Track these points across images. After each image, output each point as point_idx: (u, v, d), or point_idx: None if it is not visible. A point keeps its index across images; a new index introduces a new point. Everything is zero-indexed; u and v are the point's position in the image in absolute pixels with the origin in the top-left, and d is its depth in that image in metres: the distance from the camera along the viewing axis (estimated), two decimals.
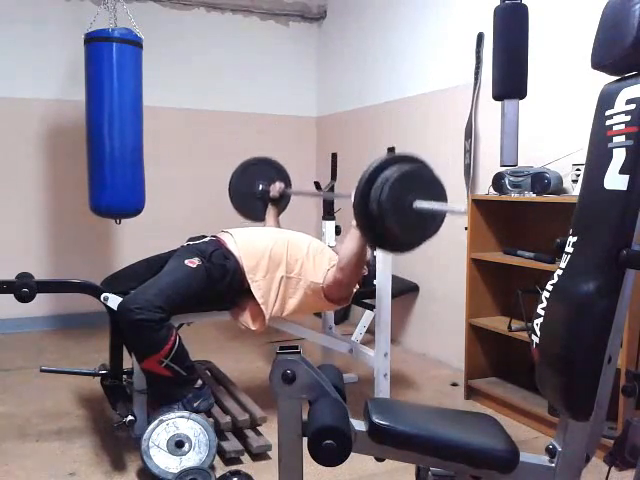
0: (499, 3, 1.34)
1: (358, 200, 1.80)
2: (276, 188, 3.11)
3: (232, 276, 2.49)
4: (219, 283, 2.46)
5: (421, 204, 1.79)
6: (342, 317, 4.41)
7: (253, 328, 2.51)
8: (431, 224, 1.94)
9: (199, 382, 2.38)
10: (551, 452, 1.29)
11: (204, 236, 2.69)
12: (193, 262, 2.44)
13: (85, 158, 3.52)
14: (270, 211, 3.14)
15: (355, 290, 2.68)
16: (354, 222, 2.36)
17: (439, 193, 1.90)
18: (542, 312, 1.28)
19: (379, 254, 2.63)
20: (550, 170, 2.69)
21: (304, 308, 2.62)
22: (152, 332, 2.21)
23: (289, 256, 2.57)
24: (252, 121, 4.86)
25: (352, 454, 1.24)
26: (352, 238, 2.44)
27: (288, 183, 3.25)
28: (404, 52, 3.97)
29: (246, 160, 3.26)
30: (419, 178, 1.85)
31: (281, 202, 3.18)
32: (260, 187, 3.17)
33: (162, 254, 2.65)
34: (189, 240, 2.68)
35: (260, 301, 2.49)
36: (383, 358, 2.69)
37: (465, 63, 3.40)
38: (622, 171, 1.13)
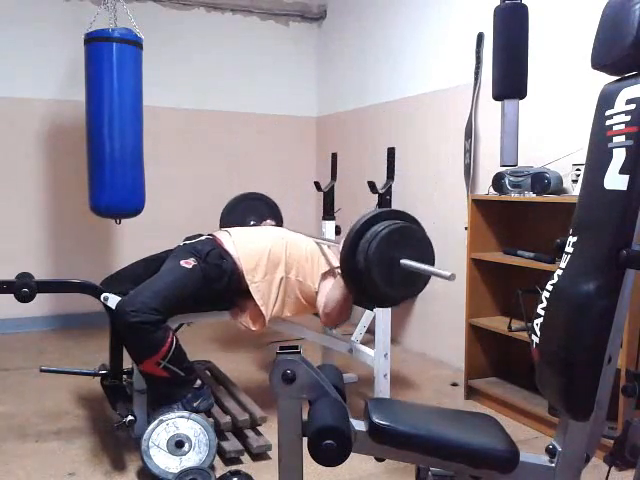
0: (499, 3, 1.33)
1: (346, 252, 1.81)
2: (267, 225, 3.11)
3: (229, 276, 2.48)
4: (216, 283, 2.45)
5: (408, 262, 1.79)
6: None
7: (253, 329, 2.51)
8: (416, 283, 1.93)
9: (198, 382, 2.37)
10: (551, 452, 1.29)
11: (200, 235, 2.69)
12: (189, 262, 2.43)
13: (85, 158, 3.51)
14: None
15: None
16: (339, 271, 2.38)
17: (427, 252, 1.89)
18: (542, 312, 1.28)
19: None
20: (550, 170, 2.69)
21: (303, 308, 2.62)
22: (149, 334, 2.21)
23: (288, 256, 2.57)
24: (252, 121, 4.87)
25: (352, 454, 1.24)
26: (337, 286, 2.45)
27: (279, 220, 3.24)
28: (404, 52, 3.97)
29: (238, 195, 3.26)
30: (409, 236, 1.85)
31: None
32: (251, 223, 3.17)
33: (160, 253, 2.65)
34: (186, 239, 2.68)
35: (259, 303, 2.48)
36: (383, 358, 2.69)
37: (465, 63, 3.40)
38: (622, 171, 1.13)
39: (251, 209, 3.21)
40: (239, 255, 2.53)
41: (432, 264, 1.87)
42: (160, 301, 2.26)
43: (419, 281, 1.94)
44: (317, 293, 2.54)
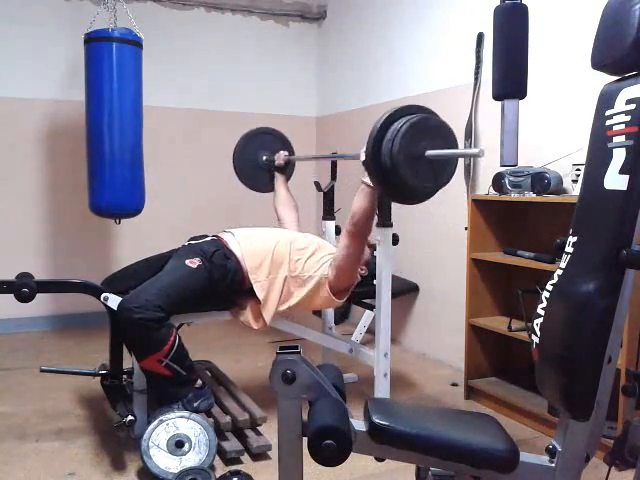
0: (499, 3, 1.33)
1: (370, 155, 1.79)
2: (281, 156, 3.17)
3: (232, 276, 2.48)
4: (220, 283, 2.46)
5: (433, 152, 1.78)
6: (342, 317, 4.41)
7: (255, 327, 2.52)
8: (444, 172, 1.93)
9: (199, 382, 2.38)
10: (551, 452, 1.29)
11: (205, 236, 2.69)
12: (194, 262, 2.44)
13: (85, 158, 3.52)
14: (279, 179, 3.19)
15: (356, 282, 2.68)
16: (364, 178, 2.34)
17: (449, 138, 1.88)
18: (542, 312, 1.28)
19: (379, 254, 2.63)
20: (550, 170, 2.69)
21: (307, 304, 2.62)
22: (152, 331, 2.21)
23: (292, 255, 2.57)
24: (252, 121, 4.85)
25: (352, 454, 1.23)
26: (362, 194, 2.38)
27: (291, 150, 3.30)
28: (404, 52, 3.97)
29: (247, 132, 3.31)
30: (428, 127, 1.83)
31: (287, 170, 3.24)
32: (264, 157, 3.24)
33: (163, 253, 2.66)
34: (190, 239, 2.68)
35: (262, 301, 2.49)
36: (383, 358, 2.69)
37: (465, 63, 3.40)
38: (622, 171, 1.13)
39: (262, 144, 3.27)
40: (243, 255, 2.53)
41: (455, 148, 1.87)
42: (164, 299, 2.26)
43: (447, 169, 1.93)
44: (329, 271, 2.55)
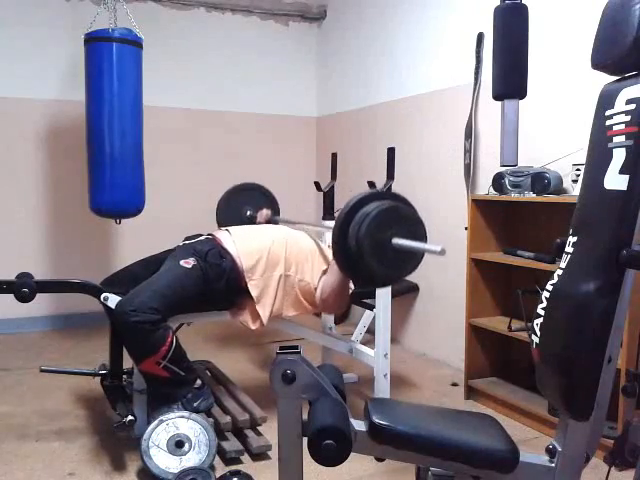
0: (499, 3, 1.33)
1: (336, 236, 1.80)
2: (262, 215, 3.10)
3: (228, 275, 2.47)
4: (216, 283, 2.45)
5: (399, 241, 1.79)
6: (342, 317, 4.41)
7: (253, 327, 2.51)
8: (409, 261, 1.93)
9: (198, 382, 2.37)
10: (551, 452, 1.29)
11: (200, 235, 2.69)
12: (188, 262, 2.43)
13: (85, 158, 3.52)
14: None
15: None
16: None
17: (418, 230, 1.89)
18: (542, 312, 1.28)
19: None
20: (550, 170, 2.69)
21: (303, 308, 2.62)
22: (148, 334, 2.21)
23: (288, 254, 2.57)
24: (252, 121, 4.87)
25: (352, 454, 1.24)
26: (332, 271, 2.48)
27: (276, 210, 3.24)
28: (404, 52, 3.97)
29: (235, 186, 3.26)
30: (399, 215, 1.84)
31: None
32: (248, 213, 3.17)
33: (159, 254, 2.65)
34: (185, 239, 2.68)
35: (256, 300, 2.48)
36: (383, 358, 2.69)
37: (465, 63, 3.40)
38: (622, 171, 1.13)
39: (246, 200, 3.21)
40: (239, 253, 2.53)
41: (424, 241, 1.87)
42: (159, 300, 2.26)
43: (412, 259, 1.93)
44: (316, 289, 2.55)
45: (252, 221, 3.13)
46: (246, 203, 3.20)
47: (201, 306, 2.52)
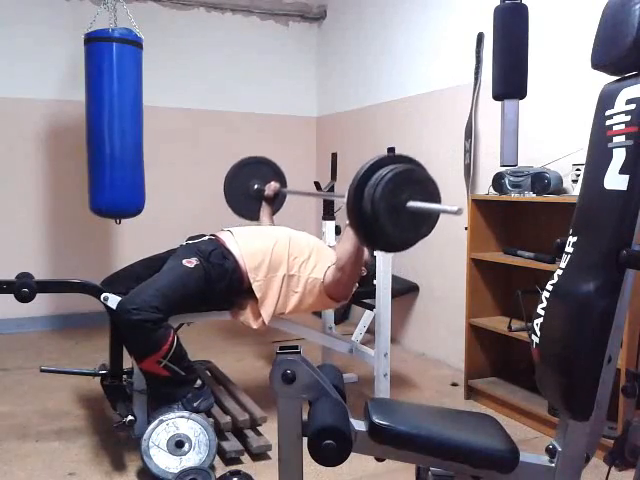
0: (499, 3, 1.34)
1: (351, 199, 1.81)
2: (271, 187, 3.12)
3: (231, 276, 2.48)
4: (218, 283, 2.45)
5: (414, 204, 1.81)
6: (342, 317, 4.41)
7: (254, 327, 2.51)
8: (424, 224, 1.95)
9: (198, 382, 2.37)
10: (551, 452, 1.29)
11: (203, 235, 2.69)
12: (191, 262, 2.43)
13: (85, 158, 3.52)
14: (265, 210, 3.14)
15: (355, 289, 2.68)
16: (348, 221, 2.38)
17: (432, 192, 1.91)
18: (542, 312, 1.28)
19: (379, 254, 2.63)
20: (550, 170, 2.69)
21: (306, 306, 2.62)
22: (150, 332, 2.21)
23: (290, 254, 2.57)
24: (252, 121, 4.87)
25: (352, 454, 1.24)
26: (347, 238, 2.43)
27: (283, 182, 3.25)
28: (404, 52, 3.97)
29: (241, 159, 3.27)
30: (413, 178, 1.86)
31: (276, 201, 3.19)
32: (255, 186, 3.19)
33: (161, 253, 2.65)
34: (188, 239, 2.68)
35: (259, 300, 2.49)
36: (383, 358, 2.69)
37: (465, 63, 3.40)
38: (622, 171, 1.13)
39: (255, 172, 3.23)
40: (242, 254, 2.53)
41: (438, 202, 1.89)
42: (161, 299, 2.26)
43: (427, 222, 1.95)
44: (324, 279, 2.54)
45: (260, 194, 3.16)
46: (253, 177, 3.21)
47: (202, 306, 2.53)
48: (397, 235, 1.88)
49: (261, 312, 2.50)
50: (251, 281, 2.49)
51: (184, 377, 2.30)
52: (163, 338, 2.22)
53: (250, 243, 2.58)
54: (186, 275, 2.39)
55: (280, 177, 3.25)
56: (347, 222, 2.38)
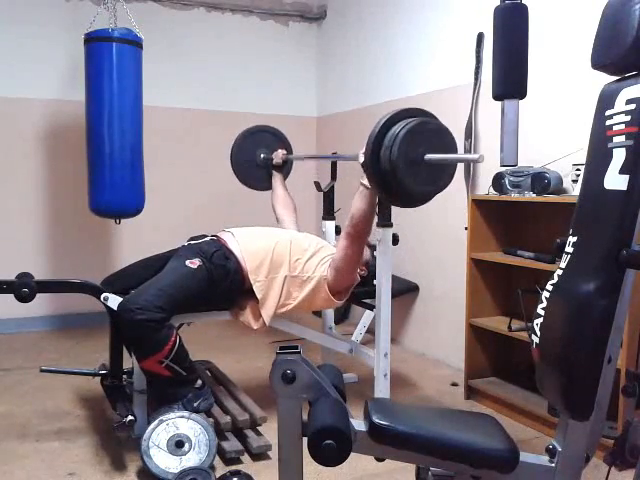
0: (499, 3, 1.33)
1: (369, 157, 1.80)
2: (279, 155, 3.17)
3: (233, 276, 2.48)
4: (220, 284, 2.45)
5: (432, 156, 1.79)
6: (342, 317, 4.41)
7: (255, 327, 2.51)
8: (443, 175, 1.94)
9: (199, 382, 2.37)
10: (551, 452, 1.29)
11: (205, 235, 2.69)
12: (194, 262, 2.44)
13: (85, 158, 3.51)
14: (276, 178, 3.20)
15: (355, 283, 2.68)
16: (363, 180, 2.33)
17: (449, 142, 1.90)
18: (542, 312, 1.28)
19: (379, 254, 2.63)
20: (550, 170, 2.69)
21: (307, 306, 2.62)
22: (153, 332, 2.21)
23: (292, 255, 2.57)
24: (252, 121, 4.84)
25: (352, 454, 1.24)
26: (361, 196, 2.36)
27: (289, 149, 3.30)
28: (404, 52, 3.97)
29: (245, 130, 3.32)
30: (427, 131, 1.85)
31: (284, 168, 3.24)
32: (262, 155, 3.24)
33: (162, 254, 2.65)
34: (190, 239, 2.68)
35: (260, 301, 2.49)
36: (383, 358, 2.69)
37: (465, 63, 3.40)
38: (622, 171, 1.13)
39: (260, 142, 3.28)
40: (243, 255, 2.53)
41: (454, 152, 1.89)
42: (165, 299, 2.26)
43: (445, 173, 1.95)
44: (327, 274, 2.54)
45: (267, 163, 3.22)
46: (259, 146, 3.26)
47: (203, 306, 2.53)
48: (417, 189, 1.87)
49: (262, 313, 2.50)
50: (252, 282, 2.49)
51: (185, 377, 2.30)
52: (166, 338, 2.22)
53: (251, 243, 2.58)
54: (190, 276, 2.39)
55: (285, 144, 3.30)
56: (361, 180, 2.36)
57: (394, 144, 1.75)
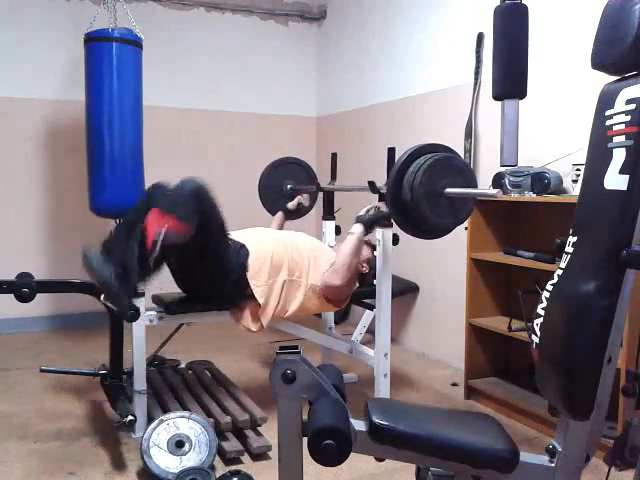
0: (499, 3, 1.33)
1: (392, 187, 1.84)
2: (295, 202, 3.19)
3: (238, 278, 2.47)
4: (230, 275, 2.45)
5: (453, 190, 1.84)
6: (342, 317, 4.41)
7: (254, 329, 2.51)
8: (462, 210, 1.98)
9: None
10: (551, 452, 1.29)
11: None
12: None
13: (85, 158, 3.51)
14: (280, 216, 3.18)
15: (355, 288, 2.68)
16: (353, 229, 2.46)
17: (469, 178, 1.94)
18: (542, 312, 1.28)
19: (379, 254, 2.63)
20: (550, 170, 2.69)
21: (305, 310, 2.62)
22: (190, 203, 2.20)
23: (290, 259, 2.57)
24: (252, 121, 4.87)
25: (352, 454, 1.23)
26: (348, 243, 2.50)
27: (315, 184, 3.30)
28: (404, 52, 3.97)
29: (274, 160, 3.37)
30: (449, 165, 1.89)
31: (293, 214, 3.24)
32: (288, 187, 3.29)
33: None
34: None
35: (262, 306, 2.48)
36: (383, 358, 2.69)
37: (465, 63, 3.40)
38: (622, 171, 1.13)
39: (288, 173, 3.33)
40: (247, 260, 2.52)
41: (474, 187, 1.95)
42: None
43: (465, 207, 2.00)
44: (321, 282, 2.56)
45: (292, 195, 3.27)
46: (287, 177, 3.32)
47: (205, 300, 2.53)
48: (436, 220, 1.91)
49: (260, 317, 2.50)
50: (252, 287, 2.48)
51: (136, 273, 2.18)
52: (189, 220, 2.19)
53: (252, 248, 2.57)
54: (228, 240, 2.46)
55: (312, 179, 3.33)
56: (352, 230, 2.43)
57: (418, 172, 1.80)
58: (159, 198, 2.26)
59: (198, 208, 2.22)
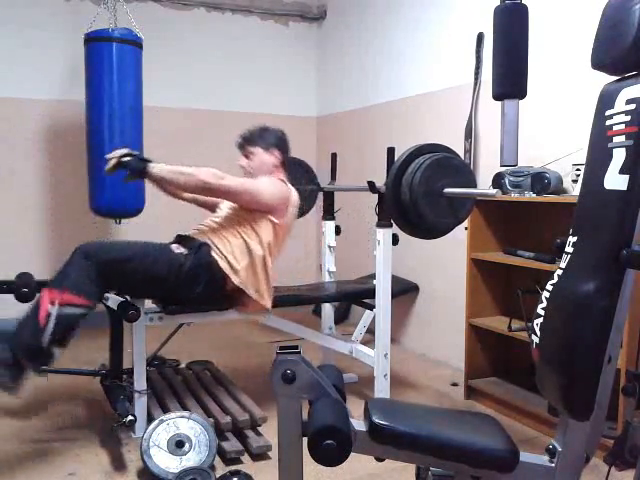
0: (499, 3, 1.33)
1: (391, 187, 1.84)
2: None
3: (214, 275, 2.42)
4: (197, 278, 2.39)
5: (451, 190, 1.83)
6: (342, 317, 4.41)
7: (268, 307, 2.51)
8: (461, 209, 1.98)
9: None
10: (551, 452, 1.29)
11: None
12: (179, 248, 2.45)
13: (85, 158, 3.52)
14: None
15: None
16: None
17: (468, 178, 1.94)
18: (542, 312, 1.28)
19: (378, 254, 2.63)
20: (550, 170, 2.69)
21: (276, 245, 2.56)
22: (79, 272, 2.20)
23: (240, 230, 2.51)
24: (252, 121, 4.84)
25: (352, 454, 1.23)
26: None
27: (316, 183, 3.30)
28: (404, 52, 3.97)
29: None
30: (448, 165, 1.89)
31: None
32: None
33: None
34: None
35: (254, 296, 2.46)
36: (383, 358, 2.69)
37: (465, 63, 3.40)
38: (622, 171, 1.13)
39: (288, 173, 3.24)
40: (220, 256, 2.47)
41: (474, 187, 1.95)
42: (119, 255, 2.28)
43: (463, 207, 2.00)
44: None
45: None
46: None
47: (197, 304, 2.52)
48: (435, 220, 1.90)
49: (261, 302, 2.49)
50: (237, 284, 2.43)
51: (36, 348, 2.15)
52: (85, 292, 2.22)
53: (210, 240, 2.51)
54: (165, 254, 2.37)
55: (312, 179, 3.32)
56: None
57: (417, 172, 1.80)
58: (52, 278, 2.20)
59: (93, 274, 2.21)
